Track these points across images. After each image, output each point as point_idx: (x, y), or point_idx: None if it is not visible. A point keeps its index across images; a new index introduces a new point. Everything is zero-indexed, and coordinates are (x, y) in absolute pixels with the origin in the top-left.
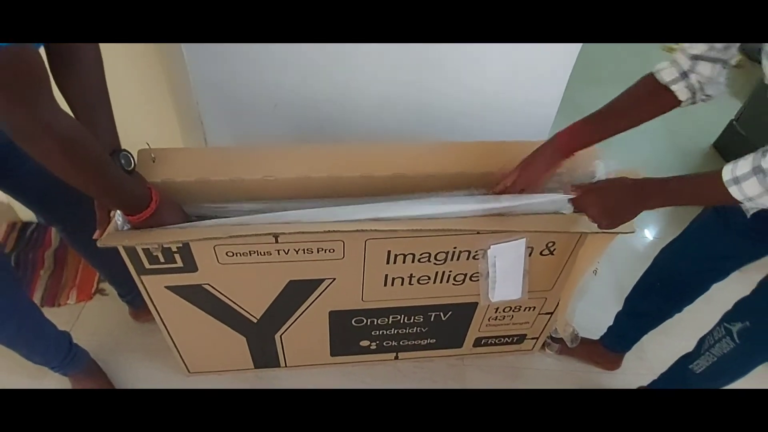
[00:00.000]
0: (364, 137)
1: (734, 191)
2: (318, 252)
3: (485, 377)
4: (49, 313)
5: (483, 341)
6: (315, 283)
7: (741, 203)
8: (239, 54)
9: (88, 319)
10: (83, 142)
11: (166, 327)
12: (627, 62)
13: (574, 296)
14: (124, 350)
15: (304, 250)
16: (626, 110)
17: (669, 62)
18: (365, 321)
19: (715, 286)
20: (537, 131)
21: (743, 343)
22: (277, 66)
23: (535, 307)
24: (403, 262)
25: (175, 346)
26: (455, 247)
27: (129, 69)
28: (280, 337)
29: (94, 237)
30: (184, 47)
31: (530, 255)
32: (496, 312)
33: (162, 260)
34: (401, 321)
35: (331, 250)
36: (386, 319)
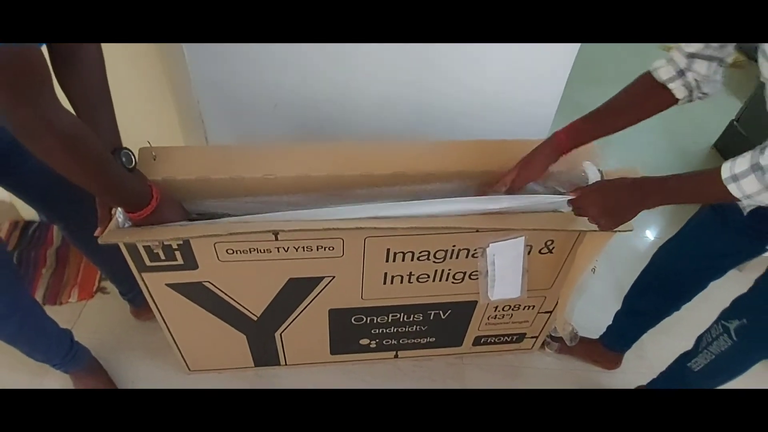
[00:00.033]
0: (364, 136)
1: (733, 189)
2: (317, 250)
3: (485, 376)
4: (50, 311)
5: (482, 340)
6: (315, 281)
7: (739, 201)
8: (240, 54)
9: (89, 317)
10: (85, 140)
11: (166, 325)
12: (627, 62)
13: (573, 294)
14: (125, 348)
15: (303, 247)
16: (624, 109)
17: (666, 60)
18: (365, 319)
19: (714, 285)
20: (536, 130)
21: (741, 340)
22: (278, 66)
23: (534, 306)
24: (403, 260)
25: (176, 344)
26: (454, 246)
27: (130, 68)
28: (280, 335)
29: (96, 234)
30: (185, 47)
31: (529, 253)
32: (495, 311)
33: (163, 257)
34: (401, 319)
35: (331, 248)
36: (386, 318)
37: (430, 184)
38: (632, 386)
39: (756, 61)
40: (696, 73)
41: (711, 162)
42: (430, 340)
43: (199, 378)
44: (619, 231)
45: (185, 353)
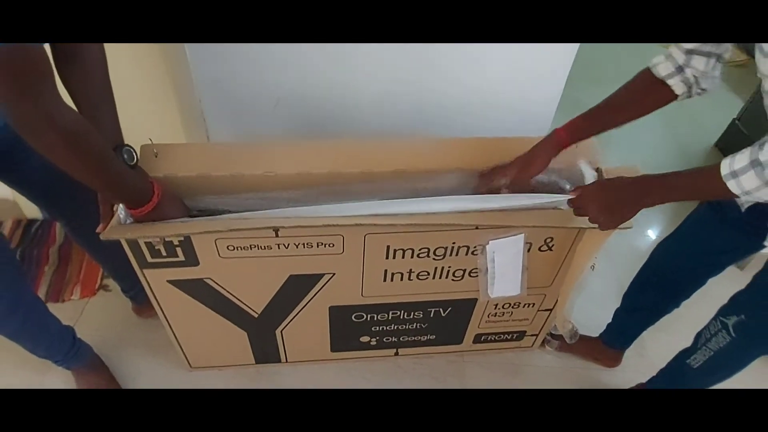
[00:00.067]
0: (365, 134)
1: (732, 185)
2: (318, 246)
3: (485, 374)
4: (53, 308)
5: (483, 338)
6: (315, 278)
7: (738, 198)
8: (241, 52)
9: (91, 314)
10: (86, 136)
11: (168, 321)
12: (627, 60)
13: (572, 292)
14: (126, 345)
15: (304, 244)
16: (624, 105)
17: (664, 57)
18: (365, 316)
19: (714, 283)
20: (537, 129)
21: (739, 336)
22: (278, 64)
23: (534, 304)
24: (402, 257)
25: (177, 341)
26: (454, 243)
27: (133, 67)
28: (281, 332)
29: (98, 231)
30: (187, 46)
31: (529, 251)
32: (495, 308)
33: (164, 254)
34: (401, 317)
35: (331, 245)
36: (386, 315)
37: (430, 181)
38: (632, 384)
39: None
40: (694, 69)
41: (713, 161)
42: (431, 337)
43: (200, 375)
44: (619, 228)
45: (186, 350)
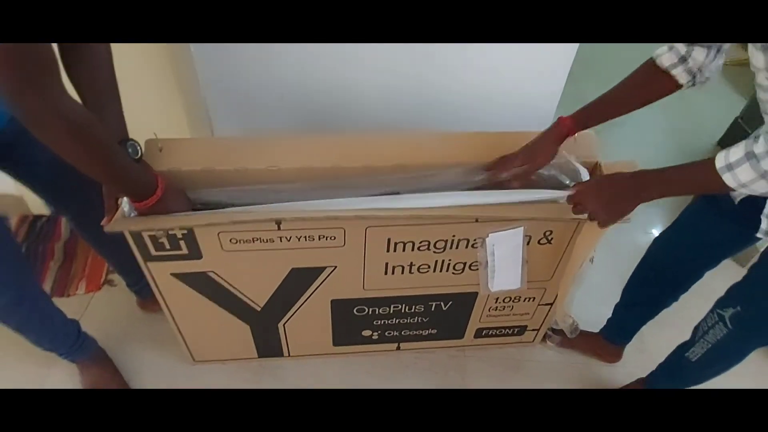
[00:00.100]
0: (368, 129)
1: (727, 178)
2: (319, 239)
3: (486, 369)
4: (58, 303)
5: (484, 332)
6: (317, 271)
7: (734, 190)
8: (245, 48)
9: (96, 309)
10: (91, 128)
11: (171, 315)
12: (628, 56)
13: (572, 284)
14: (131, 339)
15: (305, 237)
16: (629, 95)
17: (667, 47)
18: (367, 310)
19: (714, 278)
20: (538, 123)
21: (735, 328)
22: (282, 60)
23: (534, 298)
24: (403, 250)
25: (181, 335)
26: (454, 236)
27: (138, 63)
28: (284, 326)
29: (102, 223)
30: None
31: (528, 244)
32: (496, 302)
33: (168, 247)
34: (402, 310)
35: (332, 238)
36: (387, 308)
37: (432, 175)
38: (633, 379)
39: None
40: (695, 59)
41: None
42: (432, 331)
43: (203, 369)
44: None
45: (190, 344)
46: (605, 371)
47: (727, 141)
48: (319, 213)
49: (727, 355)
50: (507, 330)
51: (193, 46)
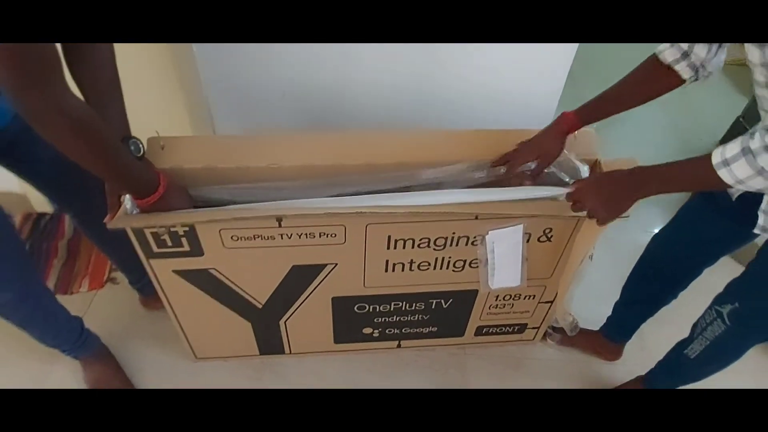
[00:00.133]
0: (369, 127)
1: (724, 174)
2: (320, 236)
3: (486, 366)
4: (61, 300)
5: (484, 330)
6: (317, 269)
7: (731, 187)
8: (247, 47)
9: (99, 306)
10: (93, 124)
11: (174, 312)
12: (628, 54)
13: (571, 282)
14: (133, 337)
15: (306, 234)
16: (631, 91)
17: (669, 43)
18: (367, 308)
19: (714, 276)
20: (538, 122)
21: (733, 324)
22: (284, 58)
23: (534, 296)
24: (403, 247)
25: (183, 332)
26: (454, 233)
27: (140, 61)
28: (285, 323)
29: (105, 221)
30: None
31: (528, 241)
32: (496, 300)
33: (169, 244)
34: (403, 308)
35: (333, 235)
36: (388, 306)
37: (433, 173)
38: (633, 377)
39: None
40: (697, 55)
41: None
42: (432, 329)
43: (205, 366)
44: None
45: (192, 341)
46: (605, 369)
47: (728, 140)
48: (320, 210)
49: (726, 351)
50: (507, 328)
51: (196, 46)
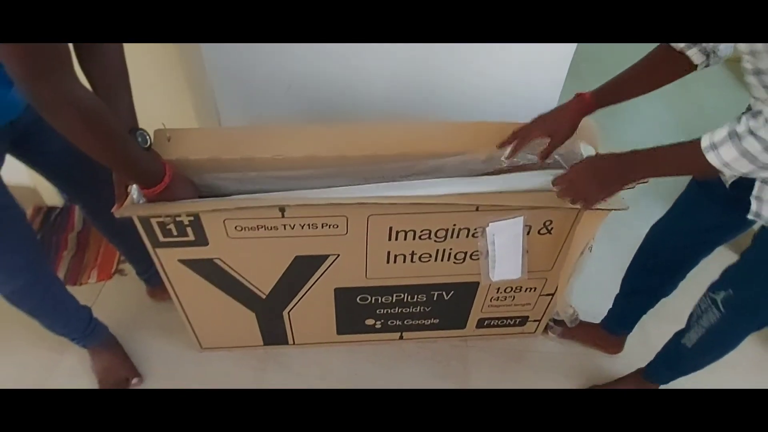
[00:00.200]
0: (374, 118)
1: (711, 157)
2: (322, 227)
3: (488, 359)
4: (71, 291)
5: (486, 322)
6: (320, 259)
7: (720, 173)
8: None
9: (107, 297)
10: (103, 116)
11: (179, 301)
12: (630, 50)
13: (571, 273)
14: (140, 327)
15: (309, 225)
16: (644, 76)
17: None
18: (370, 299)
19: (716, 267)
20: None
21: (727, 311)
22: (289, 50)
23: (535, 288)
24: (405, 239)
25: (189, 322)
26: (455, 225)
27: (148, 55)
28: (288, 314)
29: (113, 210)
30: None
31: (528, 233)
32: (497, 292)
33: (175, 233)
34: (405, 299)
35: (335, 226)
36: (390, 297)
37: (435, 164)
38: (633, 370)
39: None
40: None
41: None
42: (434, 321)
43: (210, 356)
44: (614, 209)
45: (197, 331)
46: (606, 362)
47: None
48: (322, 200)
49: (722, 339)
50: (509, 320)
51: None
